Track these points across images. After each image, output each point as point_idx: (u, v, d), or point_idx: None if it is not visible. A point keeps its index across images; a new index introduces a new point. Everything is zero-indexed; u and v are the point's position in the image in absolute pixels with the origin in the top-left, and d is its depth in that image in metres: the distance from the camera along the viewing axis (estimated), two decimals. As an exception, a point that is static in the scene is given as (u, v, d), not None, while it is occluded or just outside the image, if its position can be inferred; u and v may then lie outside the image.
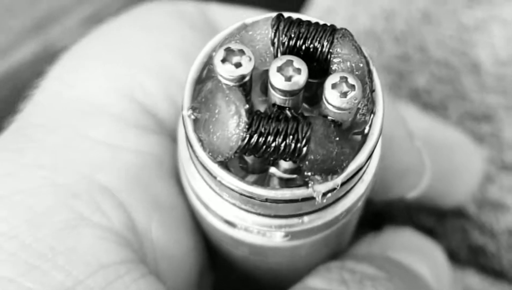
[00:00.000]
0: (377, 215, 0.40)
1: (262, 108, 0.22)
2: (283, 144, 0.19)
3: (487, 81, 0.42)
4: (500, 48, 0.43)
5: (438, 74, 0.43)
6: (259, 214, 0.22)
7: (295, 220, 0.22)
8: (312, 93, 0.22)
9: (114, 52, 0.27)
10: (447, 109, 0.42)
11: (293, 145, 0.19)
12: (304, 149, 0.19)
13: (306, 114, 0.22)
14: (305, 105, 0.22)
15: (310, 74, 0.21)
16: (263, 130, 0.19)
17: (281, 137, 0.19)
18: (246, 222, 0.22)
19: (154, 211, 0.24)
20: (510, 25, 0.44)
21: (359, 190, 0.23)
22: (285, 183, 0.22)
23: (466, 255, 0.39)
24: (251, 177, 0.22)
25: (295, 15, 0.21)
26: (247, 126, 0.19)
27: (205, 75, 0.22)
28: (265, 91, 0.22)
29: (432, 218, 0.40)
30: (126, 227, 0.24)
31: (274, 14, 0.21)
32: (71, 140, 0.25)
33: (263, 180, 0.22)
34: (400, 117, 0.28)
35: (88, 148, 0.25)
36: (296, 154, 0.20)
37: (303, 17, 0.22)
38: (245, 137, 0.19)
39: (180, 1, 0.30)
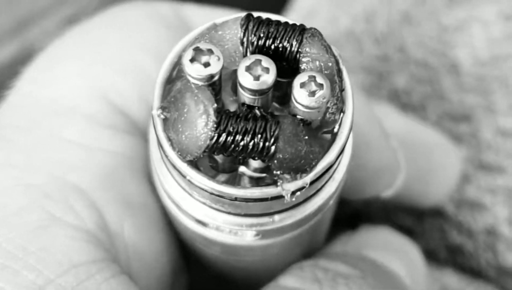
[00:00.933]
0: (355, 214, 0.40)
1: (232, 107, 0.22)
2: (251, 143, 0.20)
3: (466, 81, 0.42)
4: (480, 49, 0.43)
5: (417, 75, 0.43)
6: (229, 213, 0.22)
7: (266, 219, 0.22)
8: (282, 92, 0.22)
9: (87, 52, 0.27)
10: (426, 110, 0.42)
11: (261, 144, 0.20)
12: (273, 148, 0.20)
13: (276, 113, 0.22)
14: (275, 104, 0.22)
15: (280, 73, 0.21)
16: (231, 129, 0.19)
17: (250, 136, 0.20)
18: (217, 221, 0.22)
19: (126, 211, 0.24)
20: (489, 26, 0.44)
21: (330, 188, 0.23)
22: (256, 182, 0.22)
23: (444, 254, 0.40)
24: (222, 176, 0.22)
25: (265, 15, 0.22)
26: (215, 125, 0.19)
27: (175, 75, 0.22)
28: (235, 90, 0.22)
29: (410, 218, 0.40)
30: (98, 227, 0.24)
31: (243, 14, 0.21)
32: (44, 140, 0.25)
33: (234, 179, 0.22)
34: (375, 117, 0.28)
35: (60, 148, 0.25)
36: (265, 153, 0.20)
37: (273, 16, 0.22)
38: (213, 136, 0.19)
39: (156, 2, 0.30)
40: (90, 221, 0.24)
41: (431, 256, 0.40)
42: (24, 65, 0.29)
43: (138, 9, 0.29)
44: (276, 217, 0.22)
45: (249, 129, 0.20)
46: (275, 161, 0.20)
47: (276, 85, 0.21)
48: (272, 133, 0.20)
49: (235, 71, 0.21)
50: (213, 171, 0.22)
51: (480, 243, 0.39)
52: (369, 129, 0.28)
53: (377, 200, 0.31)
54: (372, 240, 0.30)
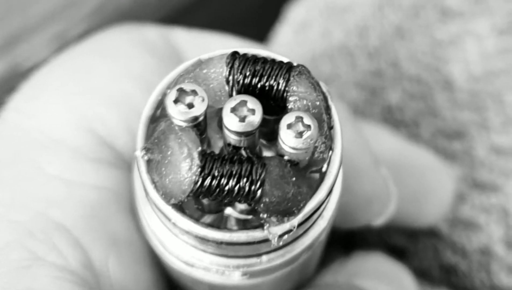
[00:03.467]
0: (348, 235, 0.40)
1: (219, 144, 0.22)
2: (236, 187, 0.19)
3: (459, 97, 0.42)
4: (473, 64, 0.43)
5: (410, 91, 0.43)
6: (216, 254, 0.21)
7: (253, 260, 0.22)
8: (270, 129, 0.22)
9: (73, 82, 0.27)
10: (419, 126, 0.41)
11: (247, 187, 0.19)
12: (259, 191, 0.19)
13: (264, 151, 0.22)
14: (262, 141, 0.22)
15: (267, 111, 0.20)
16: (216, 173, 0.19)
17: (235, 179, 0.19)
18: (203, 262, 0.22)
19: (111, 248, 0.24)
20: (483, 40, 0.44)
21: (319, 227, 0.22)
22: (243, 223, 0.21)
23: (438, 274, 0.39)
24: (208, 217, 0.21)
25: (252, 51, 0.21)
26: (199, 169, 0.19)
27: (160, 113, 0.21)
28: (222, 127, 0.22)
29: (404, 238, 0.40)
30: (83, 265, 0.23)
31: (229, 51, 0.21)
32: (27, 174, 0.24)
33: (220, 220, 0.22)
34: (365, 145, 0.28)
35: (44, 183, 0.24)
36: (251, 197, 0.19)
37: (261, 52, 0.21)
38: (198, 180, 0.19)
39: (144, 27, 0.29)
40: (74, 260, 0.23)
41: (425, 276, 0.40)
42: (14, 82, 0.29)
43: (124, 35, 0.29)
44: (264, 257, 0.22)
45: (234, 172, 0.19)
46: (261, 205, 0.19)
47: (263, 121, 0.20)
48: (258, 177, 0.19)
49: (221, 109, 0.21)
50: (199, 212, 0.21)
51: (474, 263, 0.38)
52: (359, 157, 0.27)
53: (369, 227, 0.31)
54: (363, 268, 0.30)
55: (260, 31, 0.48)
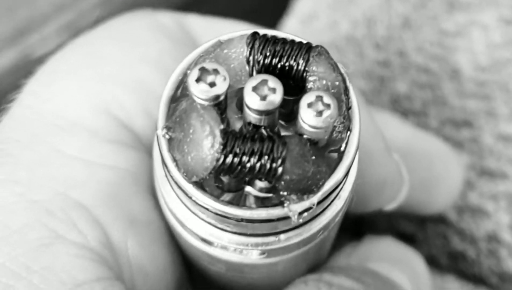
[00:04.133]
0: (358, 221, 0.40)
1: (238, 124, 0.22)
2: (258, 165, 0.19)
3: (467, 87, 0.42)
4: (480, 54, 0.43)
5: (418, 80, 0.43)
6: (235, 233, 0.22)
7: (271, 238, 0.22)
8: (289, 109, 0.22)
9: (89, 66, 0.27)
10: (428, 115, 0.42)
11: (268, 165, 0.19)
12: (280, 169, 0.19)
13: (282, 131, 0.22)
14: (281, 122, 0.22)
15: (286, 91, 0.21)
16: (237, 151, 0.19)
17: (256, 157, 0.19)
18: (222, 241, 0.22)
19: (130, 228, 0.24)
20: (490, 30, 0.44)
21: (336, 207, 0.22)
22: (261, 201, 0.22)
23: (446, 261, 0.40)
24: (227, 196, 0.22)
25: (271, 32, 0.21)
26: (221, 147, 0.19)
27: (180, 93, 0.21)
28: (241, 107, 0.22)
29: (413, 224, 0.40)
30: (102, 244, 0.23)
31: (249, 32, 0.21)
32: (46, 156, 0.25)
33: (239, 198, 0.22)
34: (378, 131, 0.28)
35: (63, 164, 0.24)
36: (272, 174, 0.19)
37: (279, 34, 0.21)
38: (220, 158, 0.19)
39: (158, 12, 0.30)
40: (94, 238, 0.23)
41: (433, 263, 0.40)
42: (25, 72, 0.29)
43: (139, 20, 0.29)
44: (282, 236, 0.22)
45: (255, 150, 0.19)
46: (282, 183, 0.20)
47: (282, 102, 0.20)
48: (279, 154, 0.19)
49: (241, 89, 0.21)
50: (218, 190, 0.22)
51: (483, 249, 0.39)
52: (372, 143, 0.28)
53: (380, 212, 0.31)
54: (375, 251, 0.30)
55: (267, 22, 0.48)
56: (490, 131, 0.41)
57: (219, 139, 0.19)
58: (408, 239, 0.40)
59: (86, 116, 0.26)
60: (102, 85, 0.26)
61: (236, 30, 0.29)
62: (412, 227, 0.40)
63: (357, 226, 0.40)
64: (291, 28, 0.48)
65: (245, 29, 0.29)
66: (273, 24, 0.49)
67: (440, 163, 0.35)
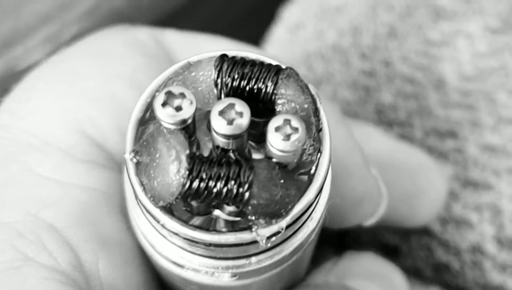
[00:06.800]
0: (342, 234, 0.40)
1: (209, 146, 0.22)
2: (224, 189, 0.19)
3: (452, 96, 0.42)
4: (466, 63, 0.43)
5: (403, 90, 0.43)
6: (205, 256, 0.21)
7: (242, 261, 0.22)
8: (259, 131, 0.22)
9: (64, 84, 0.27)
10: (412, 126, 0.42)
11: (235, 190, 0.19)
12: (246, 194, 0.19)
13: (254, 153, 0.22)
14: (252, 144, 0.22)
15: (256, 113, 0.20)
16: (204, 176, 0.19)
17: (223, 182, 0.19)
18: (193, 264, 0.22)
19: (102, 249, 0.24)
20: (475, 40, 0.44)
21: (308, 228, 0.22)
22: (232, 225, 0.21)
23: (431, 272, 0.39)
24: (197, 219, 0.22)
25: (241, 54, 0.21)
26: (187, 172, 0.19)
27: (149, 116, 0.21)
28: (211, 130, 0.22)
29: (397, 236, 0.40)
30: (73, 266, 0.23)
31: (218, 54, 0.21)
32: (18, 176, 0.24)
33: (209, 222, 0.22)
34: (357, 146, 0.28)
35: (35, 184, 0.24)
36: (239, 199, 0.19)
37: (250, 55, 0.21)
38: (186, 183, 0.19)
39: (135, 28, 0.29)
40: (64, 260, 0.23)
41: (418, 274, 0.40)
42: (10, 83, 0.29)
43: (116, 36, 0.29)
44: (253, 259, 0.22)
45: (222, 175, 0.19)
46: (250, 207, 0.19)
47: (252, 124, 0.20)
48: (246, 179, 0.19)
49: (210, 111, 0.21)
50: (188, 214, 0.21)
51: (467, 261, 0.39)
52: (349, 159, 0.28)
53: (360, 228, 0.31)
54: (355, 268, 0.30)
55: (255, 31, 0.48)
56: (474, 141, 0.40)
57: (185, 164, 0.19)
58: (392, 251, 0.40)
59: (59, 135, 0.25)
60: (77, 102, 0.26)
61: (213, 46, 0.28)
62: (396, 239, 0.40)
63: (341, 238, 0.40)
64: (278, 37, 0.48)
65: (224, 45, 0.29)
66: (260, 33, 0.49)
67: (423, 176, 0.35)
